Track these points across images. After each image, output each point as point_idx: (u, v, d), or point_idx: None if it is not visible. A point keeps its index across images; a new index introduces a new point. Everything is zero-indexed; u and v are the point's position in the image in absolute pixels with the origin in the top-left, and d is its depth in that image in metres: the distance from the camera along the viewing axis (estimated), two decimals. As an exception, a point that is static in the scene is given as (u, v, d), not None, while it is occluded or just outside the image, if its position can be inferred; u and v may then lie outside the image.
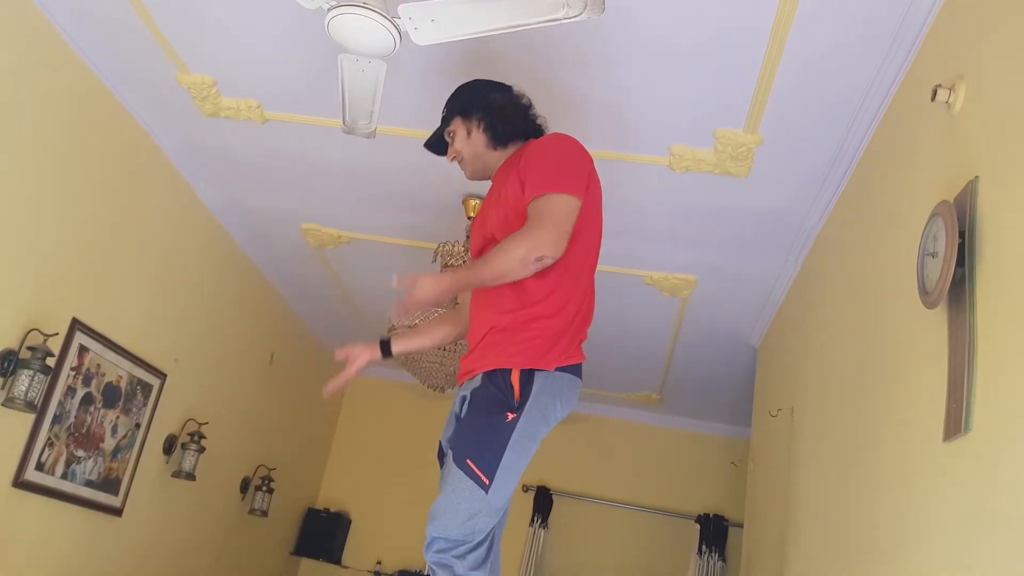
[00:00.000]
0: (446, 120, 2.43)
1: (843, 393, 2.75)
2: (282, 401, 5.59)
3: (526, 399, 2.05)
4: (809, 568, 2.89)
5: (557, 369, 2.10)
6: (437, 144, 2.49)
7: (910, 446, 2.02)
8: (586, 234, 2.21)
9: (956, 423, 1.73)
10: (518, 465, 2.10)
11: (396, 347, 2.47)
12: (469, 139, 2.37)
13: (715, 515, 5.90)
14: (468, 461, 2.06)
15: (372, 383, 6.72)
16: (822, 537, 2.79)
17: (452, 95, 2.45)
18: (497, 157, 2.38)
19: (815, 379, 3.19)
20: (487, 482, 2.04)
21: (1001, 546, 1.50)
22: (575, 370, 2.16)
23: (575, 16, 2.10)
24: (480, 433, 2.09)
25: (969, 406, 1.69)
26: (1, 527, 3.30)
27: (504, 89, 2.42)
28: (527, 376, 2.07)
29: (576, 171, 2.18)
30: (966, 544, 1.64)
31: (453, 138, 2.41)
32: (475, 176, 2.44)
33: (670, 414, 6.26)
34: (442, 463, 2.23)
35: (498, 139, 2.36)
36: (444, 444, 2.24)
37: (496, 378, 2.09)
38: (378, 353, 2.45)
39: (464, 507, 2.06)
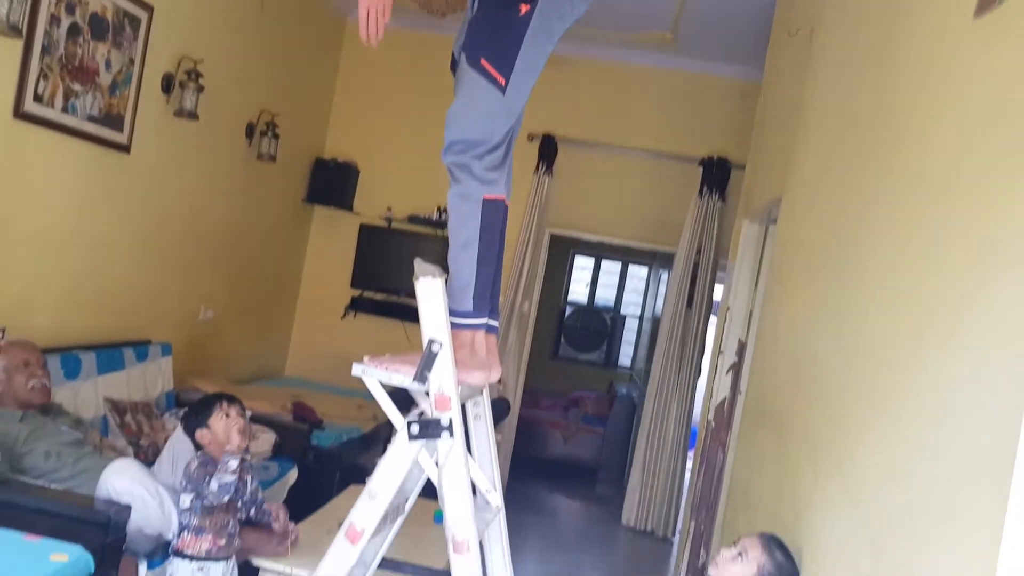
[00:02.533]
0: None
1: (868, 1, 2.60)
2: (277, 48, 5.41)
3: None
4: (813, 180, 2.93)
5: None
6: None
7: (937, 26, 1.93)
8: None
9: (992, -5, 1.62)
10: (535, 63, 2.04)
11: None
12: None
13: (719, 158, 5.96)
14: (483, 61, 2.00)
15: (371, 31, 6.46)
16: (827, 151, 2.80)
17: None
18: None
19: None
20: (503, 81, 2.00)
21: None
22: None
23: None
24: (493, 30, 2.01)
25: (1009, -25, 1.57)
26: (10, 159, 3.34)
27: None
28: None
29: None
30: (984, 127, 1.61)
31: None
32: None
33: (682, 55, 6.05)
34: (455, 72, 2.17)
35: None
36: (456, 52, 2.16)
37: None
38: None
39: (481, 108, 2.03)
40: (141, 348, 4.15)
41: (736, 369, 4.10)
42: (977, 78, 1.69)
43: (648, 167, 6.20)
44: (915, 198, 1.91)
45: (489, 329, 2.18)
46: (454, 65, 2.19)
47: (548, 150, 6.20)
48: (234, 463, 2.64)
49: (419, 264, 2.04)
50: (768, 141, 4.18)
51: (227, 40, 4.76)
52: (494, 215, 2.09)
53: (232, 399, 2.81)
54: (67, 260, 3.77)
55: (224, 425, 2.73)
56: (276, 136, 5.34)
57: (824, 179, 2.79)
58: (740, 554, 2.19)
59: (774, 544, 2.23)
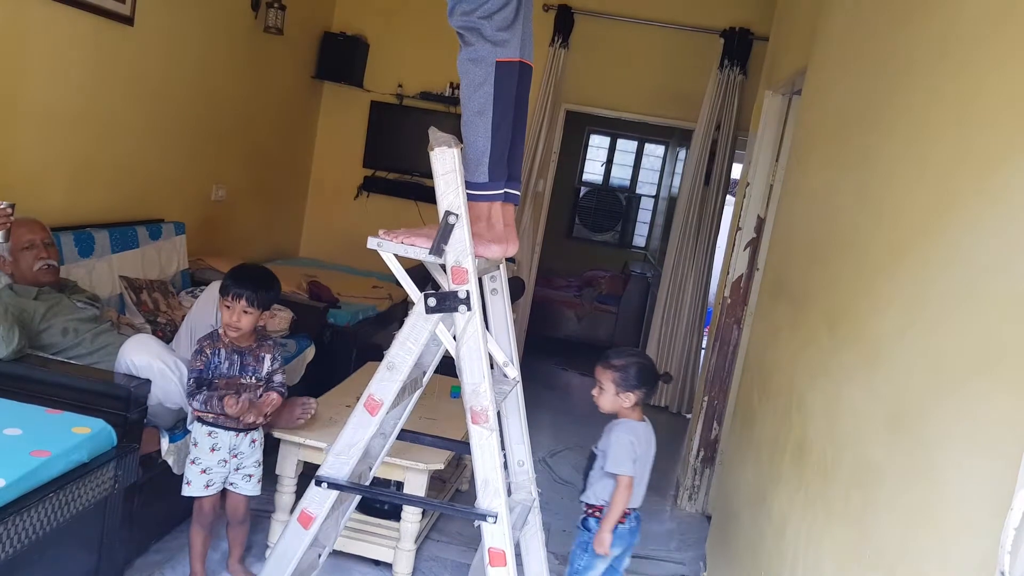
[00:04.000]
0: None
1: None
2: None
3: None
4: (842, 47, 2.80)
5: None
6: None
7: None
8: None
9: None
10: None
11: None
12: None
13: (741, 28, 5.71)
14: None
15: None
16: (856, 17, 2.66)
17: None
18: None
19: None
20: None
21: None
22: None
23: None
24: None
25: None
26: (10, 31, 3.22)
27: None
28: None
29: None
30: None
31: None
32: None
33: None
34: None
35: None
36: None
37: None
38: None
39: None
40: (155, 227, 4.13)
41: (754, 245, 4.05)
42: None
43: (667, 39, 5.97)
44: (946, 64, 1.81)
45: (507, 198, 2.12)
46: None
47: (564, 21, 5.97)
48: (207, 351, 2.65)
49: (434, 133, 1.96)
50: (795, 8, 3.99)
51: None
52: (508, 78, 2.00)
53: (240, 293, 2.63)
54: (75, 137, 3.70)
55: (225, 314, 2.66)
56: (282, 7, 5.14)
57: (853, 46, 2.66)
58: (599, 388, 2.56)
59: (611, 355, 2.59)
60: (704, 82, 5.82)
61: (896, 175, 1.99)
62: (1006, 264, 1.37)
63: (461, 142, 2.01)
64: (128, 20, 3.84)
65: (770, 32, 5.09)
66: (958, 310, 1.53)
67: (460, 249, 1.90)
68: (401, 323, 2.03)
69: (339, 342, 4.34)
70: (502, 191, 2.09)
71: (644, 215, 9.61)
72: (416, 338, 1.94)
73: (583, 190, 9.57)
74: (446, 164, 1.91)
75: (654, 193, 9.53)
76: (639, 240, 9.62)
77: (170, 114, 4.36)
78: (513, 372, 2.24)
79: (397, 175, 6.32)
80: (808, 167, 2.98)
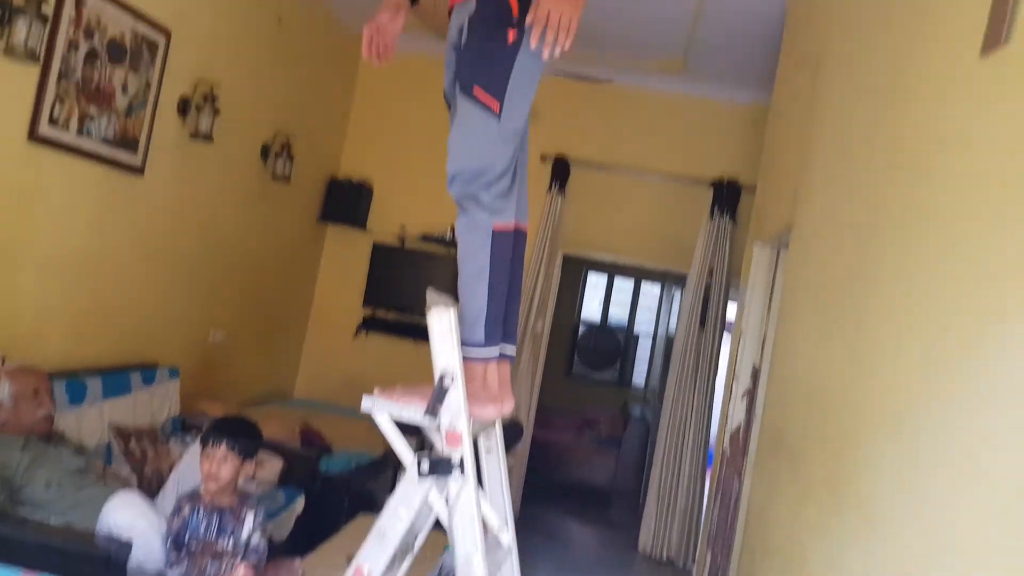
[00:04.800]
0: None
1: (874, 34, 2.55)
2: (293, 68, 5.40)
3: (525, 10, 1.94)
4: (824, 211, 2.88)
5: None
6: None
7: (944, 63, 1.90)
8: None
9: (997, 34, 1.59)
10: (527, 87, 2.03)
11: None
12: None
13: (729, 180, 5.91)
14: (476, 89, 1.99)
15: (384, 51, 6.44)
16: (836, 184, 2.75)
17: None
18: None
19: (844, 22, 2.97)
20: (497, 108, 1.98)
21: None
22: None
23: None
24: (484, 58, 2.00)
25: (1014, 14, 1.54)
26: (23, 182, 3.33)
27: None
28: None
29: None
30: (991, 163, 1.56)
31: None
32: None
33: (693, 81, 6.02)
34: (450, 106, 2.17)
35: None
36: (448, 84, 2.16)
37: None
38: (406, 5, 2.26)
39: (478, 136, 2.01)
40: (148, 372, 4.12)
41: (751, 395, 4.04)
42: (984, 114, 1.66)
43: (659, 188, 6.16)
44: (925, 230, 1.87)
45: (503, 357, 2.14)
46: (447, 97, 2.19)
47: (561, 171, 6.17)
48: (185, 510, 2.60)
49: (431, 294, 2.00)
50: (777, 167, 4.14)
51: (243, 63, 4.76)
52: (504, 245, 2.05)
53: (220, 439, 2.64)
54: (78, 284, 3.74)
55: (204, 464, 2.64)
56: (291, 157, 5.32)
57: (834, 211, 2.75)
58: None
59: None
60: (696, 229, 5.97)
61: (884, 339, 2.01)
62: (1001, 436, 1.37)
63: (458, 300, 2.05)
64: (138, 170, 3.96)
65: (756, 187, 5.26)
66: (953, 481, 1.51)
67: (455, 412, 1.90)
68: (396, 471, 2.00)
69: (330, 491, 4.24)
70: (497, 350, 2.10)
71: (643, 353, 9.63)
72: (408, 504, 1.90)
73: (582, 328, 9.62)
74: (443, 324, 1.93)
75: (652, 332, 9.58)
76: (638, 378, 9.60)
77: (174, 261, 4.44)
78: (507, 539, 2.18)
79: (397, 314, 6.38)
80: (799, 323, 3.02)
